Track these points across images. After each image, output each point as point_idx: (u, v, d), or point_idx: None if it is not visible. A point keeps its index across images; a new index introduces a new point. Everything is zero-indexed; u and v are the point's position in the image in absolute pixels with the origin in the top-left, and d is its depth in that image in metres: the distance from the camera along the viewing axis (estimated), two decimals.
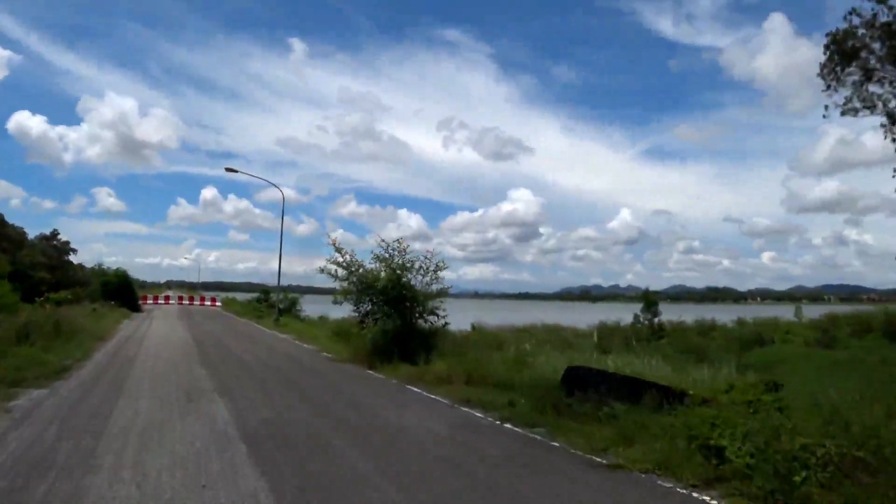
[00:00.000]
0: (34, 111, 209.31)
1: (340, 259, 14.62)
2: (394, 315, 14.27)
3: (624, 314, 30.87)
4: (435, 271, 14.42)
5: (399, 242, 14.60)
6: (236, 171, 30.89)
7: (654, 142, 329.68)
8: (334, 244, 14.82)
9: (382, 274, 14.12)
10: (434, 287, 14.49)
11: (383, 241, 14.67)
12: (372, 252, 14.74)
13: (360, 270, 14.48)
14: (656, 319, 27.48)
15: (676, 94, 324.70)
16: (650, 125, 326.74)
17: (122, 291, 38.43)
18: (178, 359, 14.50)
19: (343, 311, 17.84)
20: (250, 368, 13.37)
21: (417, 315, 14.44)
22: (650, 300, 28.81)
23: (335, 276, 14.77)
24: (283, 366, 14.25)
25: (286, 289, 42.40)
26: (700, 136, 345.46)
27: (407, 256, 14.45)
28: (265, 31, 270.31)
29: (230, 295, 69.01)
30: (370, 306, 14.65)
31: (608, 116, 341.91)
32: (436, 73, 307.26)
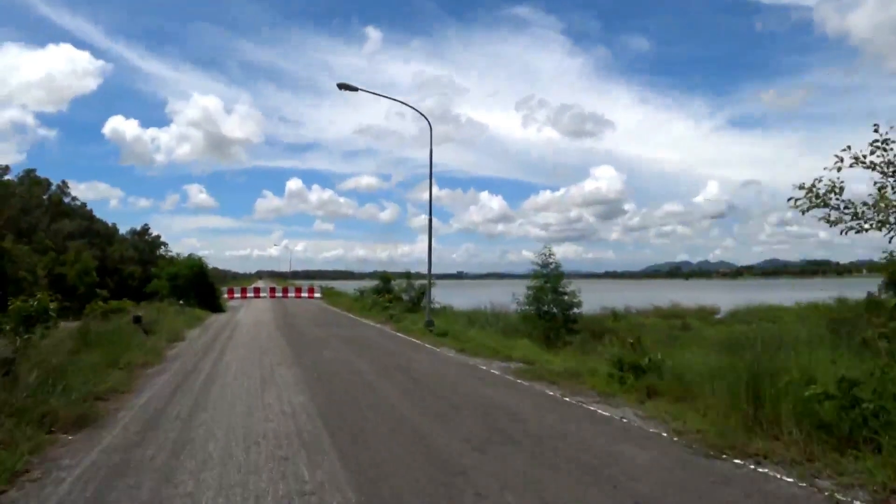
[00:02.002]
0: (127, 115, 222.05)
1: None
2: None
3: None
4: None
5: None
6: (356, 89, 18.51)
7: (738, 110, 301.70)
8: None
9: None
10: None
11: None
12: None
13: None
14: None
15: (760, 58, 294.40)
16: (733, 93, 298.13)
17: (197, 286, 27.97)
18: None
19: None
20: None
21: None
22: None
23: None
24: None
25: (406, 275, 30.44)
26: (788, 102, 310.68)
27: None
28: (337, 23, 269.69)
29: (325, 284, 58.86)
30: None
31: (687, 85, 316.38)
32: (508, 52, 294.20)
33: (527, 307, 21.14)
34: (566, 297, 21.36)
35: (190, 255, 30.53)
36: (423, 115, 18.38)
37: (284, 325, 19.75)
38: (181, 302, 24.59)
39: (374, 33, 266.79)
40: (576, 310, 21.37)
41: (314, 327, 18.84)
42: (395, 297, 28.54)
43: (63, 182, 64.64)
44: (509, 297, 21.72)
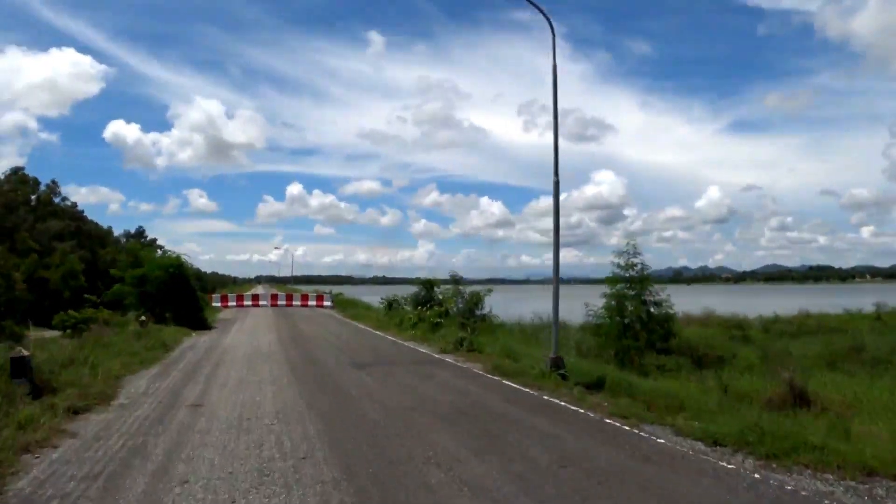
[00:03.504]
0: (128, 120, 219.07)
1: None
2: None
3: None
4: None
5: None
6: None
7: (740, 114, 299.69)
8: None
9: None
10: None
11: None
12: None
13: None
14: None
15: (761, 61, 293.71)
16: (734, 96, 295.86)
17: (173, 293, 20.33)
18: None
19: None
20: None
21: None
22: None
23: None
24: None
25: (454, 280, 23.31)
26: (790, 106, 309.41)
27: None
28: (340, 27, 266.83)
29: (329, 290, 51.01)
30: None
31: (688, 89, 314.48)
32: (509, 57, 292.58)
33: (605, 319, 17.12)
34: (655, 307, 17.27)
35: (165, 252, 22.83)
36: (546, 18, 10.69)
37: (301, 363, 11.99)
38: (142, 318, 16.86)
39: (376, 37, 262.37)
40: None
41: (353, 370, 11.08)
42: (441, 309, 20.95)
43: (53, 181, 59.56)
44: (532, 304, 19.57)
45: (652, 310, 17.46)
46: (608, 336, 17.10)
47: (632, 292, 17.67)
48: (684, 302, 34.92)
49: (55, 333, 16.85)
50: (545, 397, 8.35)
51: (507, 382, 9.61)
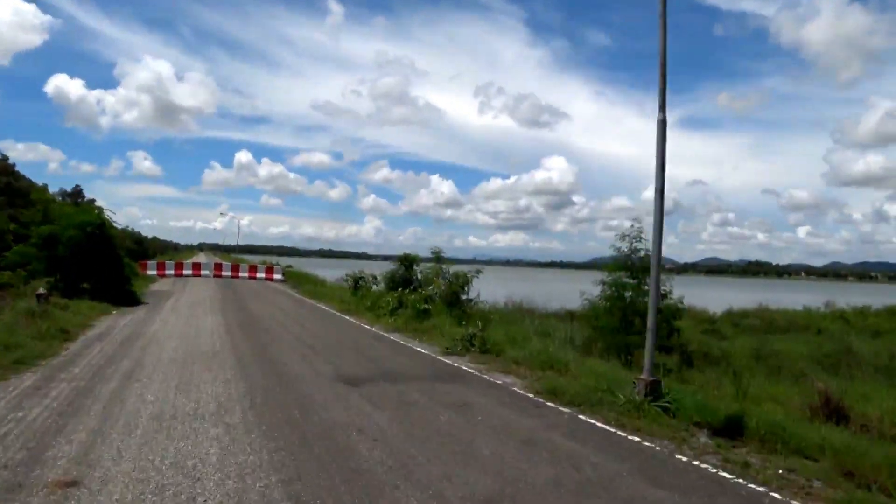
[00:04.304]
0: (72, 74, 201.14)
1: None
2: None
3: None
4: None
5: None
6: None
7: (691, 110, 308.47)
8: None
9: None
10: None
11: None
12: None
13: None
14: None
15: (716, 61, 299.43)
16: (687, 93, 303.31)
17: (91, 257, 15.95)
18: None
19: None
20: None
21: None
22: None
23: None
24: None
25: (436, 257, 20.09)
26: (740, 106, 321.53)
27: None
28: None
29: (275, 261, 46.33)
30: None
31: (642, 82, 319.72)
32: (469, 37, 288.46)
33: (604, 304, 14.59)
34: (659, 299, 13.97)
35: (81, 206, 18.13)
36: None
37: (261, 373, 8.17)
38: (41, 291, 12.51)
39: (335, 7, 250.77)
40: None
41: (344, 390, 7.39)
42: (427, 293, 17.60)
43: None
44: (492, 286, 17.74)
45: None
46: (604, 330, 14.28)
47: (633, 280, 15.01)
48: None
49: None
50: (680, 458, 5.10)
51: (587, 419, 6.30)
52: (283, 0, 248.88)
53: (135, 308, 15.89)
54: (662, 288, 16.26)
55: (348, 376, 8.00)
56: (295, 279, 32.75)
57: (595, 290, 14.94)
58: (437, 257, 20.03)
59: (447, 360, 9.80)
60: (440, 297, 17.55)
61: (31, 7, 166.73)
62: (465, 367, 9.19)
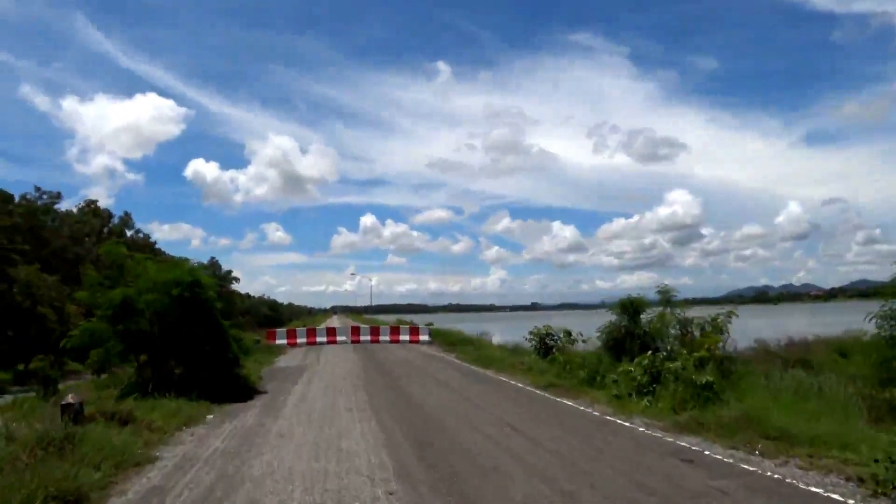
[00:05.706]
0: (207, 158, 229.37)
1: None
2: None
3: None
4: None
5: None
6: None
7: (813, 125, 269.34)
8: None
9: None
10: None
11: None
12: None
13: None
14: None
15: (835, 69, 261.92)
16: (805, 108, 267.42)
17: (184, 330, 10.55)
18: None
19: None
20: None
21: None
22: None
23: None
24: None
25: (664, 299, 12.32)
26: (867, 113, 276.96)
27: None
28: (405, 59, 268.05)
29: (409, 319, 41.08)
30: None
31: (758, 102, 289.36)
32: (574, 80, 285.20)
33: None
34: None
35: (172, 260, 13.23)
36: None
37: None
38: (69, 399, 6.99)
39: (443, 67, 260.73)
40: None
41: None
42: (702, 354, 10.03)
43: (126, 213, 57.89)
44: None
45: None
46: None
47: None
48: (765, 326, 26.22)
49: None
50: None
51: None
52: (392, 67, 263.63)
53: (244, 405, 10.31)
54: None
55: None
56: (442, 339, 26.73)
57: None
58: (667, 299, 13.25)
59: None
60: (713, 360, 10.33)
61: (170, 102, 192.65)
62: None
